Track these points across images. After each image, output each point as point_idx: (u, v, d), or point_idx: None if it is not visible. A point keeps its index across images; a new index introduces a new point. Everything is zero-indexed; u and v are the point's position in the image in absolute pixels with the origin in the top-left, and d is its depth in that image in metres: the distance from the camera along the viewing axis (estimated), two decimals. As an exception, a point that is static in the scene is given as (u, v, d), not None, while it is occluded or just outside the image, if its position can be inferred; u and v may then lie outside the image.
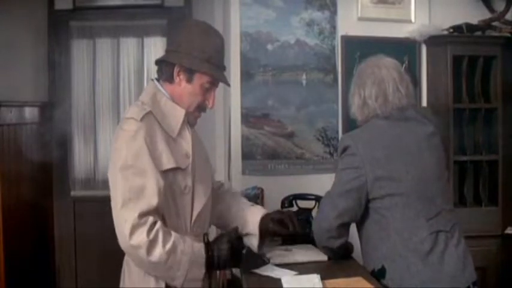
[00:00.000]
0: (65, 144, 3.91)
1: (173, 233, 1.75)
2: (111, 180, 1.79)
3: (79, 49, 3.98)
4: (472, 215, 3.00)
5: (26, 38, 3.75)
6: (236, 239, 1.87)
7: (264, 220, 2.08)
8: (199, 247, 1.79)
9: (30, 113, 3.62)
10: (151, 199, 1.72)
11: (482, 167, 3.18)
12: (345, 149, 1.99)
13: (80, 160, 4.01)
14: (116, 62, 4.00)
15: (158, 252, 1.69)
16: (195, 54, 1.84)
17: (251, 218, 2.09)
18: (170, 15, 3.82)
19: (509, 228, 3.19)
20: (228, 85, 2.02)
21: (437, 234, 1.91)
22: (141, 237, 1.68)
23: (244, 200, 2.25)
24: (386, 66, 2.06)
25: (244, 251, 1.97)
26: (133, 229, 1.68)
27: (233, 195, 2.28)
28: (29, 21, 3.77)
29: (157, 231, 1.70)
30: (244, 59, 3.06)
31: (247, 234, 2.10)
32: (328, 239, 2.02)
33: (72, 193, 3.97)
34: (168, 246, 1.71)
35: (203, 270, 1.77)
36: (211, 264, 1.79)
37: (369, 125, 2.04)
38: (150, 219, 1.71)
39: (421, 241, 1.88)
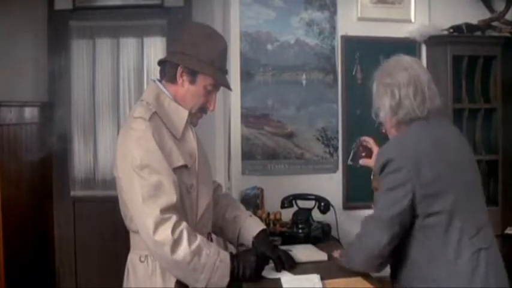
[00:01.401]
0: (64, 144, 3.90)
1: (199, 236, 1.77)
2: (125, 179, 1.80)
3: (79, 49, 3.97)
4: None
5: (25, 38, 3.74)
6: (262, 255, 1.91)
7: (259, 236, 2.08)
8: (225, 254, 1.81)
9: (30, 113, 3.62)
10: (170, 195, 1.74)
11: (482, 167, 3.18)
12: (386, 164, 1.78)
13: (80, 160, 4.00)
14: (115, 62, 3.99)
15: (183, 251, 1.71)
16: (200, 57, 1.87)
17: (247, 230, 2.10)
18: (170, 15, 3.82)
19: (509, 228, 3.19)
20: (230, 89, 2.05)
21: (479, 252, 1.78)
22: (165, 233, 1.70)
23: (242, 207, 2.26)
24: (418, 63, 1.94)
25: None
26: (157, 224, 1.70)
27: (231, 200, 2.30)
28: (28, 21, 3.76)
29: (182, 231, 1.72)
30: (244, 59, 3.06)
31: (241, 245, 2.12)
32: (377, 265, 1.87)
33: (72, 193, 3.96)
34: (193, 247, 1.73)
35: (227, 279, 1.78)
36: (235, 274, 1.80)
37: (408, 132, 1.86)
38: (174, 217, 1.72)
39: (465, 262, 1.75)
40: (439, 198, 1.75)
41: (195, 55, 1.87)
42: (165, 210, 1.72)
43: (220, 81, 1.92)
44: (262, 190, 2.89)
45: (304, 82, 3.14)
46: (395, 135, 1.92)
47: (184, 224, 1.74)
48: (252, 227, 2.11)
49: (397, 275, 1.89)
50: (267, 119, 3.09)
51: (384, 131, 2.00)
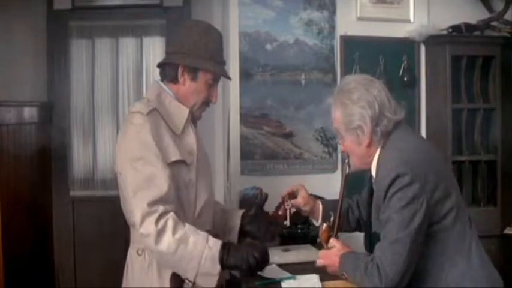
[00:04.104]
0: (63, 144, 3.90)
1: (187, 224, 1.77)
2: (122, 173, 1.82)
3: (78, 49, 3.97)
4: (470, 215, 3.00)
5: (24, 38, 3.74)
6: (256, 257, 1.81)
7: (244, 217, 2.10)
8: (215, 242, 1.78)
9: (29, 113, 3.61)
10: (161, 187, 1.75)
11: (481, 167, 3.18)
12: (395, 180, 1.67)
13: (79, 160, 4.00)
14: (114, 61, 3.99)
15: (166, 240, 1.71)
16: (198, 53, 1.90)
17: (234, 215, 2.12)
18: (169, 15, 3.82)
19: (508, 228, 3.19)
20: (230, 79, 2.11)
21: (478, 241, 1.77)
22: (150, 226, 1.71)
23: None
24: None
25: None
26: (143, 217, 1.72)
27: (220, 205, 2.30)
28: (27, 21, 3.75)
29: (167, 220, 1.72)
30: (243, 59, 3.06)
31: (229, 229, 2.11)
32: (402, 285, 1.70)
33: (71, 193, 3.96)
34: (178, 235, 1.72)
35: (218, 266, 1.74)
36: (224, 262, 1.77)
37: (397, 141, 1.78)
38: (161, 208, 1.73)
39: (475, 254, 1.74)
40: (447, 199, 1.72)
41: (194, 52, 1.90)
42: (153, 203, 1.72)
43: (221, 73, 1.97)
44: (261, 190, 2.89)
45: (303, 82, 3.14)
46: (387, 151, 1.79)
47: (170, 214, 1.74)
48: (237, 212, 2.14)
49: (415, 284, 1.75)
50: (266, 119, 3.10)
51: (348, 160, 1.90)
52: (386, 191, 1.69)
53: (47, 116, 3.80)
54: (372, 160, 1.82)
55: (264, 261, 1.81)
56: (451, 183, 1.78)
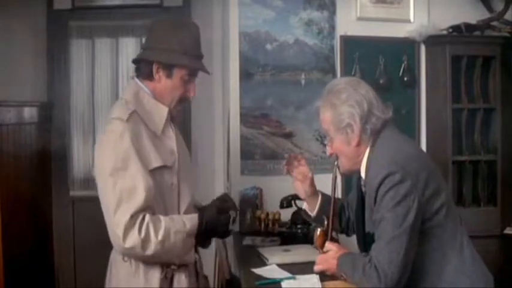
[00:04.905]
0: (63, 144, 3.91)
1: (162, 219, 1.77)
2: (101, 183, 1.79)
3: (78, 49, 3.99)
4: (470, 215, 3.00)
5: (24, 38, 3.74)
6: (221, 204, 1.92)
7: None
8: (190, 218, 1.83)
9: (29, 113, 3.62)
10: (142, 199, 1.73)
11: (481, 167, 3.18)
12: (386, 178, 1.67)
13: (79, 160, 4.02)
14: (114, 61, 4.01)
15: (153, 245, 1.73)
16: (173, 49, 1.85)
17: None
18: (169, 15, 3.82)
19: (508, 228, 3.18)
20: (208, 73, 1.97)
21: (469, 239, 1.79)
22: (134, 237, 1.70)
23: None
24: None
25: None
26: (126, 231, 1.70)
27: None
28: (27, 21, 3.76)
29: (147, 226, 1.72)
30: (243, 59, 3.06)
31: None
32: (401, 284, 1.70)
33: (71, 193, 3.97)
34: (160, 236, 1.73)
35: (193, 240, 1.82)
36: (201, 230, 1.83)
37: (387, 140, 1.80)
38: (140, 217, 1.72)
39: (466, 250, 1.76)
40: (437, 196, 1.72)
41: (168, 48, 1.85)
42: (134, 214, 1.71)
43: (197, 67, 1.91)
44: (261, 190, 2.89)
45: (303, 82, 3.14)
46: (377, 149, 1.79)
47: (147, 217, 1.73)
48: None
49: (413, 282, 1.74)
50: (266, 118, 3.09)
51: (337, 163, 1.89)
52: (377, 190, 1.69)
53: (47, 116, 3.81)
54: (361, 160, 1.83)
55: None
56: (440, 181, 1.79)
